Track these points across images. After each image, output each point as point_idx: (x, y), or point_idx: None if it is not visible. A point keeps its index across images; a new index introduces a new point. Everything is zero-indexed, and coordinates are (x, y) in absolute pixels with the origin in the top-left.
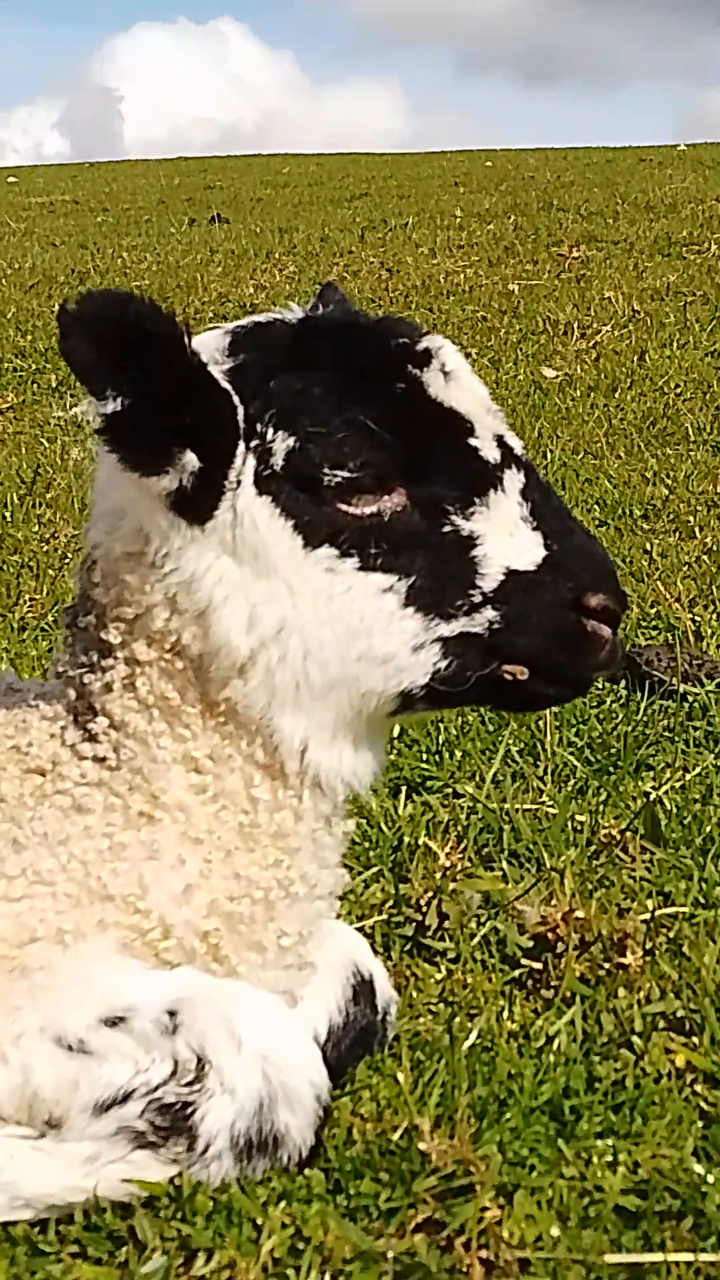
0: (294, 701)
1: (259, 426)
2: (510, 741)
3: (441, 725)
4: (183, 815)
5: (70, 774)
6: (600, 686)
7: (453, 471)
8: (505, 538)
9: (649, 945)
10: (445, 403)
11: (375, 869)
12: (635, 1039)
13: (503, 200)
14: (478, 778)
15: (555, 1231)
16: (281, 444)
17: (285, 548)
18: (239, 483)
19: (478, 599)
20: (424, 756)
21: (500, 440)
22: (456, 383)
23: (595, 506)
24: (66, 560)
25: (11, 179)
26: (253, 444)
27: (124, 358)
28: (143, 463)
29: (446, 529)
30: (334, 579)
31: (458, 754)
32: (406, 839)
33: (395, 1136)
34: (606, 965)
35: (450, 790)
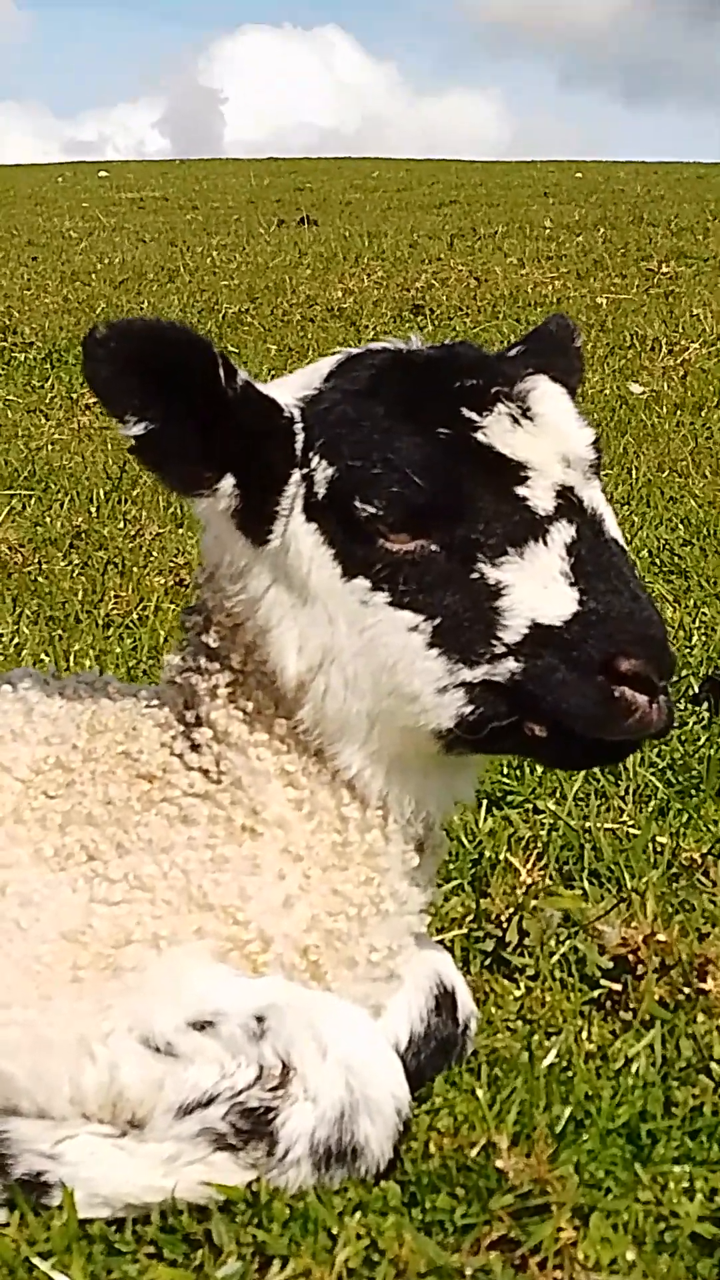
0: (345, 731)
1: (310, 454)
2: None
3: None
4: (282, 831)
5: (179, 783)
6: (682, 707)
7: (490, 519)
8: (538, 590)
9: None
10: (498, 449)
11: (456, 882)
12: (714, 1065)
13: (592, 212)
14: (558, 794)
15: (631, 1255)
16: (323, 473)
17: (326, 575)
18: (291, 509)
19: (500, 649)
20: (504, 770)
21: (563, 491)
22: (532, 428)
23: (680, 525)
24: (151, 558)
25: (103, 173)
26: (304, 471)
27: (149, 385)
28: (176, 484)
29: (474, 575)
30: (366, 611)
31: (538, 769)
32: (487, 853)
33: (472, 1153)
34: (686, 990)
35: (531, 806)
